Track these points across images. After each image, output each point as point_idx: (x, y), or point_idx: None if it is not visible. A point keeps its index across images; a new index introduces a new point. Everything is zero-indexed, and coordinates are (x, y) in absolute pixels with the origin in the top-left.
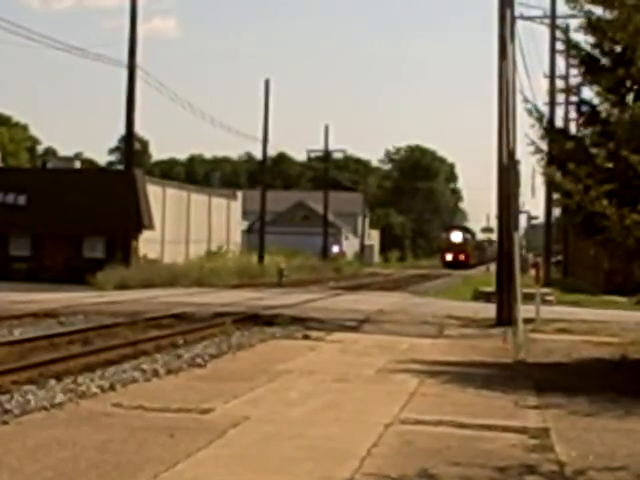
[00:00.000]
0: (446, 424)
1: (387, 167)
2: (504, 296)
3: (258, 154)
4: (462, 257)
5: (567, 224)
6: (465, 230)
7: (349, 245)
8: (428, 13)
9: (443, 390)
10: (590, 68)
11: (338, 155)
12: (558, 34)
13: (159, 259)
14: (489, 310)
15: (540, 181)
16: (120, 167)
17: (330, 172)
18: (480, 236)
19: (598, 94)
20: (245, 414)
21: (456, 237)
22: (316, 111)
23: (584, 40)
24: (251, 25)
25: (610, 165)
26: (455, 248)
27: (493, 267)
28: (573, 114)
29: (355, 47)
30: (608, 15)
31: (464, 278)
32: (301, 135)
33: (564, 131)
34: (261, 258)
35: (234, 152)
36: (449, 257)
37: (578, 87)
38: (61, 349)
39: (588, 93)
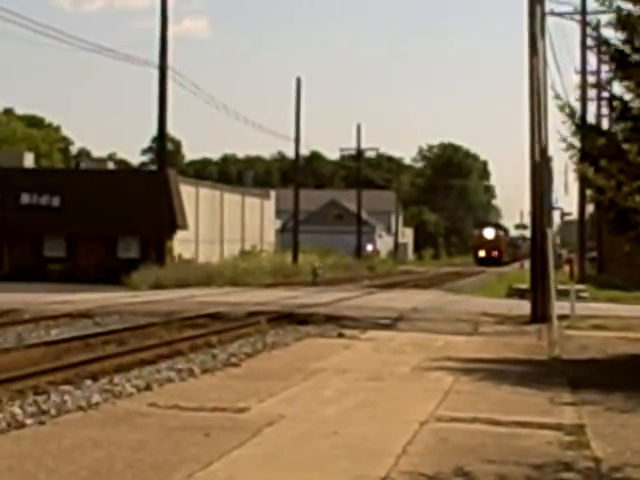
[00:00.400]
0: (481, 421)
1: (420, 165)
2: (538, 293)
3: (291, 153)
4: (495, 254)
5: (600, 220)
6: (498, 227)
7: (383, 243)
8: (459, 11)
9: (478, 387)
10: (621, 64)
11: (371, 154)
12: (588, 30)
13: (194, 259)
14: (523, 307)
15: (573, 177)
16: (153, 167)
17: (363, 171)
18: (513, 233)
19: (629, 90)
20: (280, 413)
21: (489, 234)
22: (348, 110)
23: (614, 36)
24: (282, 24)
25: None
26: (488, 245)
27: (527, 264)
28: (605, 110)
29: (387, 46)
30: (638, 11)
31: (498, 275)
32: (334, 134)
33: (596, 127)
34: (295, 257)
35: (267, 151)
36: (482, 254)
37: (609, 83)
38: (97, 349)
39: (619, 89)
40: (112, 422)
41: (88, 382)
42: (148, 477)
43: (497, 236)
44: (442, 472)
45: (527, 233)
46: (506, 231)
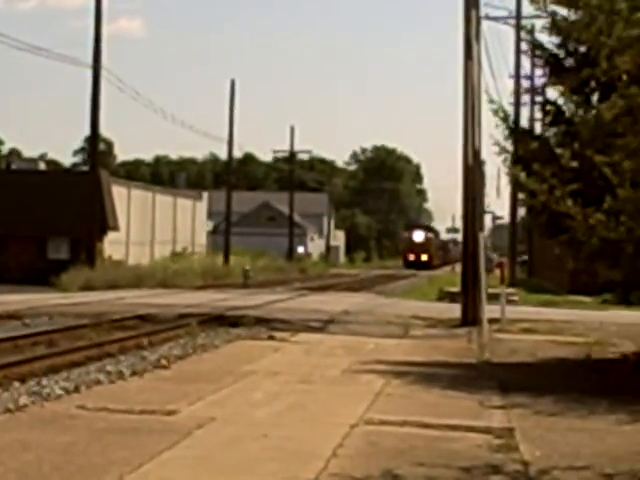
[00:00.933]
0: (411, 424)
1: (353, 168)
2: (469, 296)
3: (223, 155)
4: (425, 257)
5: (532, 224)
6: (428, 229)
7: (315, 246)
8: (396, 13)
9: (408, 390)
10: (555, 68)
11: (304, 156)
12: (523, 34)
13: (124, 260)
14: (454, 310)
15: (505, 181)
16: (85, 168)
17: (296, 173)
18: (445, 236)
19: (563, 94)
20: (210, 415)
21: (418, 237)
22: (282, 112)
23: (549, 41)
24: (217, 26)
25: (575, 165)
26: (417, 248)
27: (458, 267)
28: (538, 114)
29: (322, 47)
30: (572, 16)
31: (429, 278)
32: (267, 136)
33: (529, 131)
34: (226, 259)
35: (200, 153)
36: (411, 257)
37: (543, 87)
38: (25, 351)
39: (553, 93)
40: (40, 424)
41: (16, 384)
42: None
43: (427, 239)
44: (372, 475)
45: (459, 236)
46: (436, 234)
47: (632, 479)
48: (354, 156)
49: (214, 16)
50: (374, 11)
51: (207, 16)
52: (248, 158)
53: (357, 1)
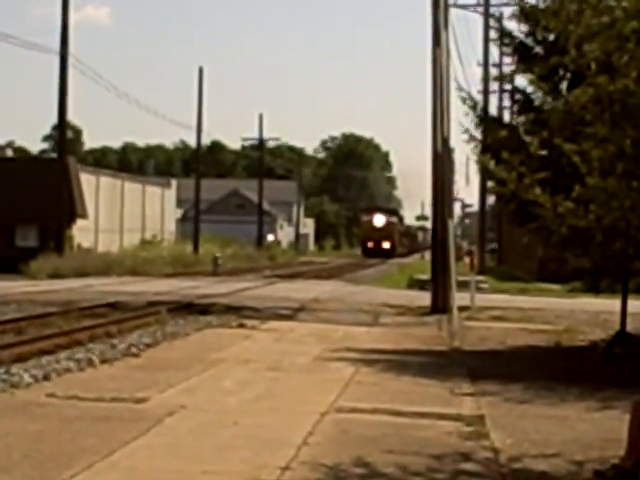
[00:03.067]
0: (382, 412)
1: (322, 155)
2: (439, 284)
3: (193, 142)
4: (387, 245)
5: (501, 212)
6: (390, 213)
7: (284, 234)
8: (362, 1)
9: (379, 378)
10: (523, 56)
11: (272, 143)
12: (491, 22)
13: (93, 248)
14: (424, 298)
15: (474, 169)
16: (53, 155)
17: (265, 160)
18: (414, 223)
19: (531, 82)
20: (180, 403)
21: (379, 220)
22: (251, 100)
23: (517, 28)
24: (185, 14)
25: (544, 153)
26: (377, 234)
27: (428, 255)
28: (507, 102)
29: (291, 34)
30: (541, 3)
31: (399, 266)
32: (236, 123)
33: (498, 119)
34: (196, 247)
35: (168, 140)
36: (370, 244)
37: (512, 75)
38: None
39: (522, 81)
40: (10, 412)
41: None
42: (47, 468)
43: (389, 223)
44: (342, 462)
45: (428, 224)
46: (401, 218)
47: (602, 466)
48: (323, 144)
49: (181, 4)
50: None
51: (174, 4)
52: (217, 145)
53: None
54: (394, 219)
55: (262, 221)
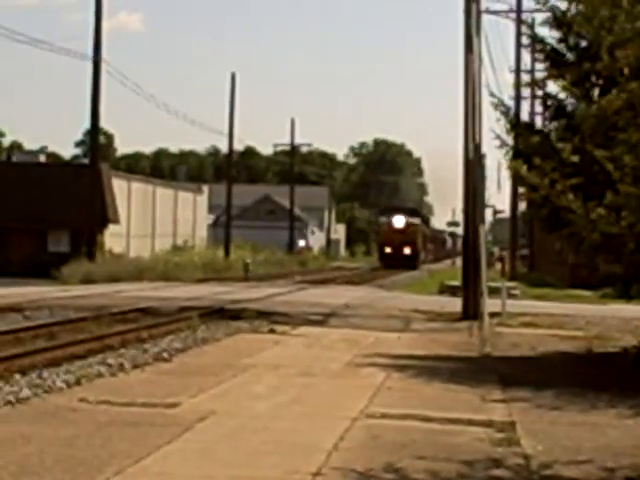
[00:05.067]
0: (412, 418)
1: (353, 161)
2: (470, 290)
3: (225, 148)
4: (407, 250)
5: (533, 218)
6: (412, 213)
7: (315, 239)
8: (395, 8)
9: (409, 384)
10: (555, 62)
11: (304, 149)
12: (524, 28)
13: (124, 253)
14: (455, 304)
15: (506, 175)
16: (85, 161)
17: (296, 166)
18: (445, 229)
19: (564, 88)
20: (211, 408)
21: (399, 222)
22: (283, 106)
23: (549, 35)
24: (217, 20)
25: (575, 159)
26: (397, 238)
27: (459, 261)
28: (539, 108)
29: (322, 41)
30: (573, 9)
31: (430, 272)
32: (268, 129)
33: (530, 125)
34: (227, 252)
35: (200, 146)
36: (388, 250)
37: (544, 81)
38: (26, 343)
39: (554, 87)
40: (42, 417)
41: (17, 377)
42: (78, 472)
43: (410, 225)
44: (373, 468)
45: (459, 230)
46: (425, 220)
47: (634, 472)
48: (354, 149)
49: (214, 10)
50: (375, 5)
51: (207, 10)
52: (249, 151)
53: None
54: (416, 220)
55: (293, 227)
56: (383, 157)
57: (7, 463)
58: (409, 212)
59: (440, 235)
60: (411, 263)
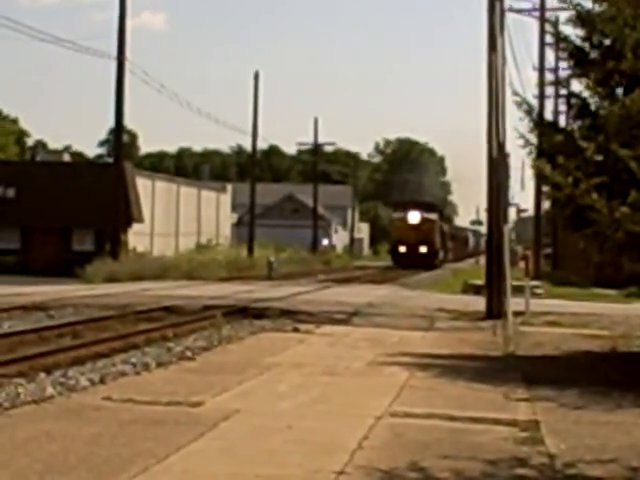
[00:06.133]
0: (436, 417)
1: (377, 160)
2: (494, 289)
3: (248, 147)
4: (424, 249)
5: (556, 217)
6: (429, 208)
7: (339, 238)
8: (418, 7)
9: (433, 383)
10: (579, 61)
11: (328, 148)
12: (547, 27)
13: (148, 252)
14: (479, 303)
15: (529, 174)
16: (109, 160)
17: (320, 165)
18: (468, 227)
19: (587, 87)
20: (235, 407)
21: (414, 217)
22: (307, 104)
23: (573, 33)
24: (241, 20)
25: (600, 158)
26: (413, 235)
27: (483, 260)
28: (562, 107)
29: (345, 40)
30: (597, 8)
31: (453, 271)
32: (291, 128)
33: (553, 124)
34: (250, 251)
35: (224, 145)
36: (402, 249)
37: (567, 80)
38: (50, 342)
39: (578, 86)
40: (66, 415)
41: (42, 375)
42: (103, 471)
43: (426, 221)
44: (397, 467)
45: (482, 229)
46: (446, 217)
47: None
48: (377, 148)
49: (237, 10)
50: (396, 5)
51: (230, 10)
52: (272, 150)
53: None
54: (433, 216)
55: (317, 225)
56: (407, 156)
57: (32, 461)
58: (425, 207)
59: (462, 233)
60: (428, 263)
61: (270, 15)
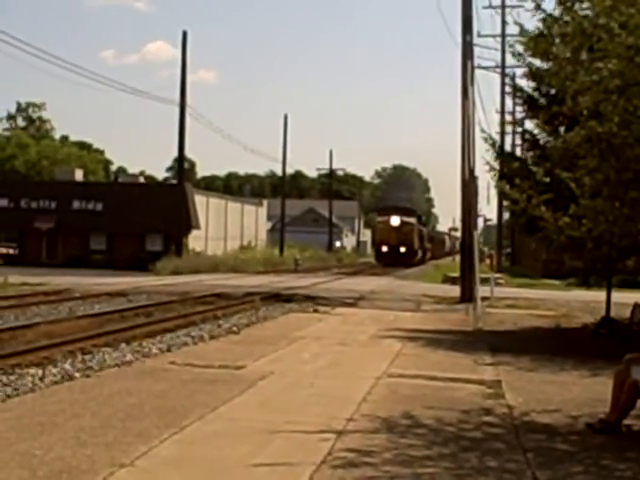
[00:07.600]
0: (422, 377)
1: (377, 181)
2: (466, 280)
3: (279, 171)
4: (403, 249)
5: (514, 225)
6: (409, 212)
7: (348, 241)
8: (407, 65)
9: (420, 351)
10: (531, 106)
11: (340, 172)
12: (506, 80)
13: (203, 252)
14: (455, 291)
15: (493, 192)
16: (174, 181)
17: (334, 185)
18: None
19: (537, 126)
20: (270, 369)
21: (395, 221)
22: (324, 138)
23: (526, 84)
24: (276, 70)
25: (547, 180)
26: (394, 236)
27: (457, 258)
28: (518, 141)
29: (352, 88)
30: (545, 65)
31: (435, 266)
32: (313, 157)
33: (511, 154)
34: (281, 251)
35: (261, 170)
36: (385, 249)
37: (522, 120)
38: (129, 320)
39: (530, 125)
40: (141, 376)
41: (123, 345)
42: (169, 418)
43: (405, 224)
44: (393, 415)
45: (458, 234)
46: (423, 222)
47: (592, 419)
48: (377, 172)
49: (271, 60)
50: (394, 60)
51: (267, 64)
52: (298, 174)
53: (374, 51)
54: (412, 219)
55: (332, 232)
56: (400, 178)
57: (116, 411)
58: (405, 212)
59: (440, 236)
60: (407, 261)
61: (296, 69)
